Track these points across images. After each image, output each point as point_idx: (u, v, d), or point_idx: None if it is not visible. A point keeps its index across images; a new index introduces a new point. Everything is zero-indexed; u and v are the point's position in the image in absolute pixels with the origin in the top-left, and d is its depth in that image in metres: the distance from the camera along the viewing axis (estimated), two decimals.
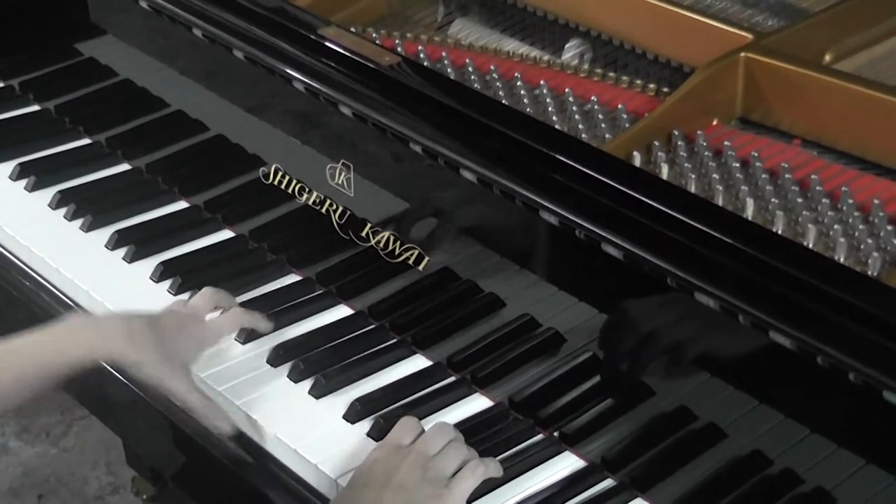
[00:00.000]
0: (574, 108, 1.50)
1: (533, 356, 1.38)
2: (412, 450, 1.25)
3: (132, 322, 1.32)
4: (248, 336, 1.46)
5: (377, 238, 1.48)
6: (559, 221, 1.26)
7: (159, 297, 1.53)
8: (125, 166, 1.77)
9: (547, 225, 1.28)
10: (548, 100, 1.52)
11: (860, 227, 1.29)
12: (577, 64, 1.62)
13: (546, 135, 1.34)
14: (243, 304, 1.51)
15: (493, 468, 1.28)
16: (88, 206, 1.67)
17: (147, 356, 1.30)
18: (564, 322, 1.35)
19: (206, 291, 1.44)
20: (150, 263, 1.58)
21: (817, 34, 1.55)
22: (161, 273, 1.56)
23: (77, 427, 2.60)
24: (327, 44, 1.48)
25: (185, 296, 1.50)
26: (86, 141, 1.83)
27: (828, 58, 1.54)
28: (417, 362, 1.44)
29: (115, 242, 1.61)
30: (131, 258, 1.59)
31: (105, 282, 1.54)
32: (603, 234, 1.23)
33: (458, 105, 1.38)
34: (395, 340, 1.47)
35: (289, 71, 1.49)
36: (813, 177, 1.36)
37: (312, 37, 1.50)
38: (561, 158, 1.29)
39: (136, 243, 1.60)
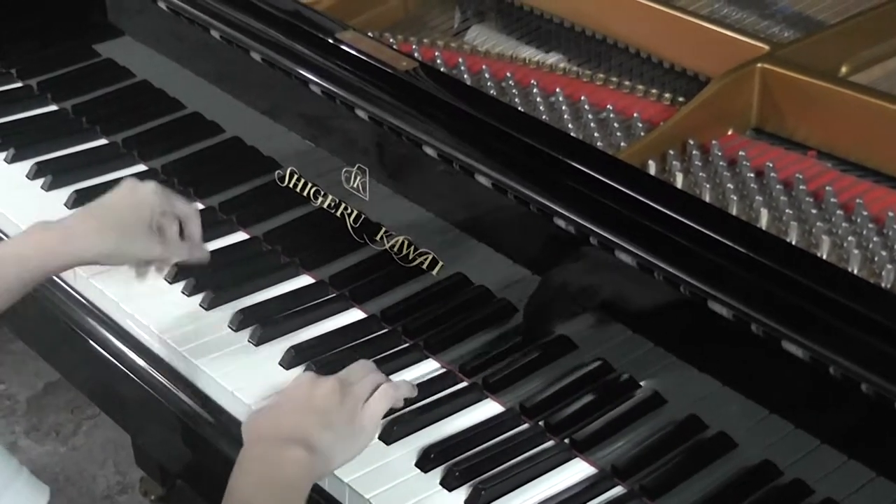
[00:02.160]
0: (589, 115, 1.51)
1: (544, 362, 1.38)
2: (331, 378, 1.31)
3: (87, 219, 1.39)
4: (260, 338, 1.46)
5: (391, 242, 1.48)
6: (573, 228, 1.27)
7: (173, 296, 1.54)
8: (141, 167, 1.78)
9: (561, 231, 1.28)
10: (563, 107, 1.53)
11: (874, 238, 1.29)
12: (591, 72, 1.62)
13: (561, 141, 1.35)
14: (256, 306, 1.51)
15: (404, 389, 1.35)
16: None
17: (112, 245, 1.38)
18: (575, 328, 1.36)
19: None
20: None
21: (833, 46, 1.56)
22: (175, 274, 1.56)
23: (86, 426, 2.60)
24: (344, 48, 1.48)
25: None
26: (102, 141, 1.83)
27: (843, 70, 1.54)
28: (429, 367, 1.45)
29: None
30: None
31: (119, 282, 1.54)
32: (617, 241, 1.23)
33: (473, 110, 1.38)
34: (407, 345, 1.47)
35: (306, 74, 1.49)
36: (827, 188, 1.36)
37: (330, 40, 1.50)
38: (576, 165, 1.29)
39: None
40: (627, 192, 1.25)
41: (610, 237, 1.23)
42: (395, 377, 1.42)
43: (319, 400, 1.27)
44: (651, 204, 1.23)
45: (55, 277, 1.59)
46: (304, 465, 1.22)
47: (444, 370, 1.44)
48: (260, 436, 1.26)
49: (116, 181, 1.72)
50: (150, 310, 1.52)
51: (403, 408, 1.36)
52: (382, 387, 1.32)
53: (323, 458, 1.25)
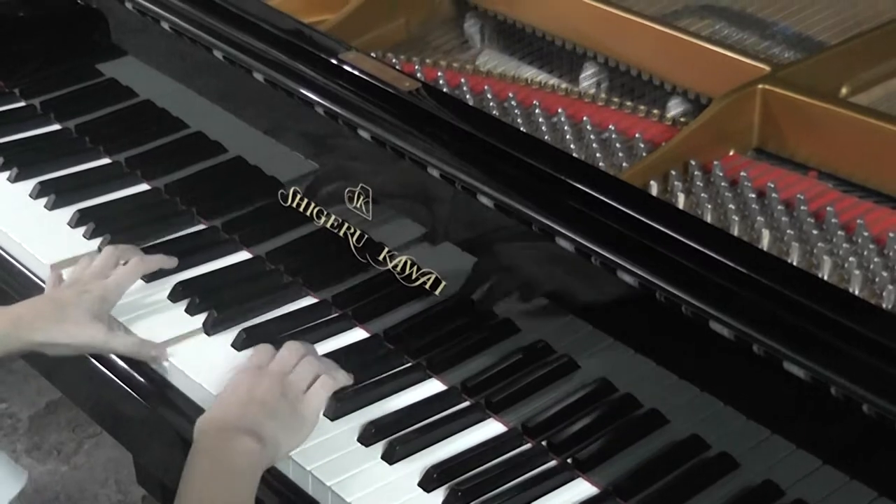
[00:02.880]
0: (591, 136, 1.51)
1: (547, 382, 1.38)
2: (269, 370, 1.36)
3: (37, 307, 1.44)
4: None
5: (394, 262, 1.49)
6: (575, 248, 1.27)
7: (176, 316, 1.54)
8: (144, 186, 1.78)
9: (562, 252, 1.29)
10: (565, 127, 1.53)
11: (875, 259, 1.29)
12: (594, 92, 1.63)
13: (563, 162, 1.35)
14: (259, 326, 1.52)
15: (341, 378, 1.40)
16: (107, 225, 1.68)
17: (55, 332, 1.42)
18: (579, 349, 1.36)
19: (106, 251, 1.52)
20: (169, 283, 1.58)
21: (834, 67, 1.56)
22: (179, 293, 1.56)
23: (88, 445, 2.60)
24: (347, 68, 1.49)
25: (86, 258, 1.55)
26: (105, 160, 1.84)
27: (844, 90, 1.55)
28: (432, 386, 1.45)
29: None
30: (148, 278, 1.60)
31: (122, 301, 1.54)
32: (618, 261, 1.23)
33: (476, 131, 1.39)
34: (409, 364, 1.47)
35: (308, 94, 1.50)
36: (828, 209, 1.36)
37: (333, 61, 1.51)
38: (578, 185, 1.29)
39: None
40: (629, 212, 1.25)
41: (612, 257, 1.24)
42: (399, 397, 1.43)
43: (261, 392, 1.33)
44: (653, 224, 1.24)
45: None
46: (252, 454, 1.27)
47: (446, 389, 1.44)
48: (208, 430, 1.30)
49: (120, 200, 1.75)
50: (152, 330, 1.52)
51: (405, 428, 1.37)
52: (321, 378, 1.38)
53: (270, 446, 1.29)
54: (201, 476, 1.26)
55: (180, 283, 1.58)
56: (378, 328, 1.51)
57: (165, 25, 1.67)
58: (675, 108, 1.60)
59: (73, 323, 1.43)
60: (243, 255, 1.65)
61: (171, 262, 1.56)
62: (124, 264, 1.52)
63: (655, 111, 1.56)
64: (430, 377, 1.46)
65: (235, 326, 1.52)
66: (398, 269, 1.48)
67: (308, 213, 1.57)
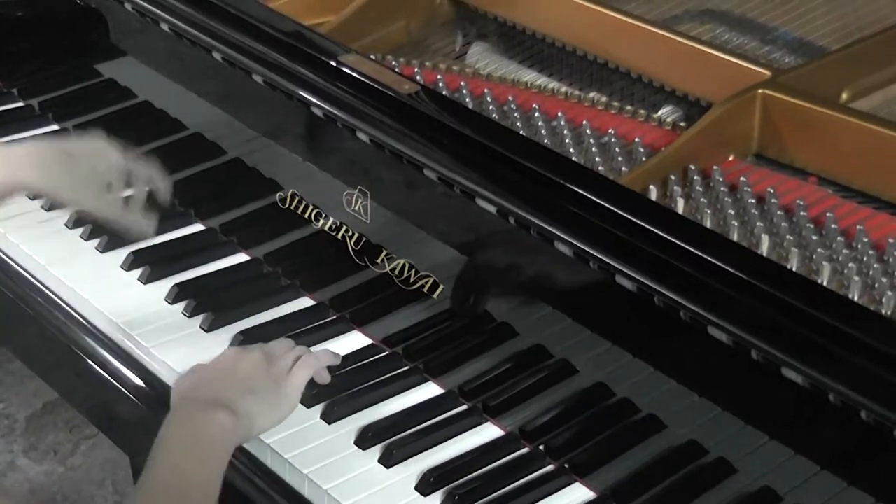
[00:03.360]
0: (591, 140, 1.51)
1: (544, 386, 1.38)
2: (257, 349, 1.38)
3: (42, 151, 1.42)
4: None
5: (392, 265, 1.48)
6: (573, 253, 1.27)
7: (174, 318, 1.54)
8: None
9: (561, 256, 1.28)
10: (565, 131, 1.53)
11: (874, 265, 1.29)
12: (594, 97, 1.63)
13: (562, 166, 1.35)
14: (257, 328, 1.51)
15: (325, 357, 1.42)
16: (103, 228, 1.66)
17: (58, 183, 1.42)
18: (576, 353, 1.36)
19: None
20: (166, 285, 1.58)
21: (834, 72, 1.56)
22: (176, 295, 1.56)
23: (85, 446, 2.60)
24: (346, 70, 1.49)
25: None
26: None
27: (844, 96, 1.55)
28: (429, 390, 1.45)
29: (131, 263, 1.62)
30: (146, 279, 1.60)
31: (119, 302, 1.55)
32: (616, 265, 1.23)
33: (475, 134, 1.38)
34: (407, 367, 1.47)
35: (307, 96, 1.49)
36: (828, 214, 1.36)
37: (332, 63, 1.50)
38: (577, 190, 1.29)
39: (152, 265, 1.60)
40: (628, 216, 1.25)
41: (610, 262, 1.23)
42: (396, 401, 1.42)
43: (245, 369, 1.35)
44: (651, 229, 1.23)
45: (53, 296, 1.59)
46: (227, 428, 1.28)
47: (443, 393, 1.44)
48: (186, 400, 1.32)
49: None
50: (150, 331, 1.52)
51: (402, 432, 1.37)
52: (304, 356, 1.39)
53: (246, 421, 1.31)
54: (175, 444, 1.27)
55: (178, 284, 1.57)
56: (375, 331, 1.51)
57: (165, 27, 1.67)
58: (670, 114, 1.59)
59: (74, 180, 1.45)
60: (241, 258, 1.65)
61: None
62: None
63: (655, 115, 1.56)
64: (427, 381, 1.45)
65: (232, 328, 1.52)
66: (396, 272, 1.48)
67: (306, 216, 1.57)
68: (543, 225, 1.28)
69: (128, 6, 1.71)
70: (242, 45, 1.57)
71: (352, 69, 1.49)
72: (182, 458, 1.26)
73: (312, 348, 1.45)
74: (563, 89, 1.65)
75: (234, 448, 1.30)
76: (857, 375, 1.09)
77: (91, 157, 1.46)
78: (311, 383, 1.40)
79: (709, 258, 1.20)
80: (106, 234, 1.66)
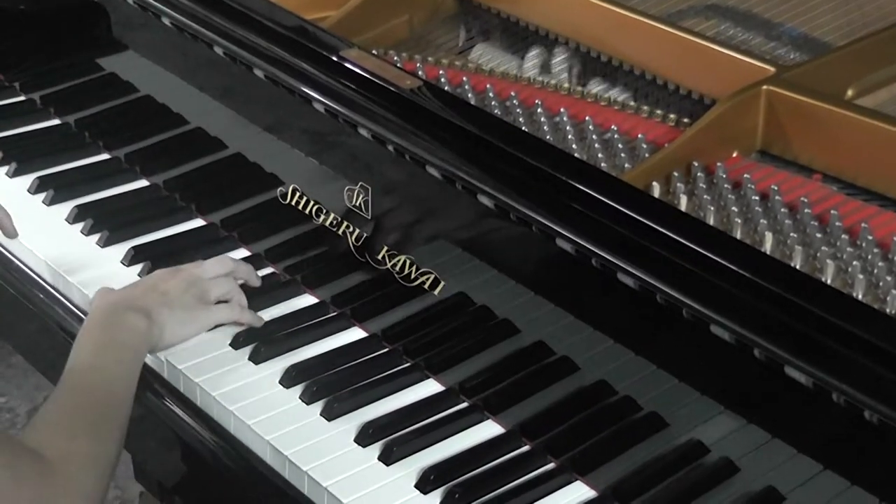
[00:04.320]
0: (594, 136, 1.50)
1: (546, 383, 1.37)
2: (185, 270, 1.47)
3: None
4: (260, 356, 1.46)
5: (393, 262, 1.48)
6: (575, 250, 1.26)
7: None
8: (143, 182, 1.77)
9: (563, 253, 1.28)
10: (567, 127, 1.52)
11: (879, 264, 1.28)
12: (597, 92, 1.62)
13: (564, 162, 1.34)
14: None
15: (251, 318, 1.48)
16: (106, 222, 1.66)
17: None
18: (578, 350, 1.35)
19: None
20: None
21: (840, 69, 1.55)
22: None
23: None
24: (348, 65, 1.48)
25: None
26: (105, 156, 1.82)
27: (850, 93, 1.54)
28: (430, 387, 1.44)
29: (132, 258, 1.61)
30: (148, 274, 1.59)
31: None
32: (619, 263, 1.22)
33: (477, 130, 1.38)
34: (408, 364, 1.46)
35: (309, 91, 1.49)
36: (832, 212, 1.35)
37: (334, 58, 1.50)
38: (578, 186, 1.28)
39: (153, 259, 1.59)
40: (631, 214, 1.24)
41: (612, 259, 1.23)
42: (397, 398, 1.42)
43: (167, 284, 1.44)
44: (654, 226, 1.23)
45: (54, 291, 1.59)
46: (139, 332, 1.38)
47: (444, 390, 1.43)
48: (105, 304, 1.41)
49: (119, 196, 1.74)
50: None
51: (402, 429, 1.36)
52: (235, 301, 1.48)
53: (157, 329, 1.40)
54: (90, 344, 1.36)
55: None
56: (376, 328, 1.50)
57: (167, 21, 1.66)
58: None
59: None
60: (242, 253, 1.64)
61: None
62: None
63: (658, 112, 1.55)
64: (427, 377, 1.45)
65: (233, 325, 1.51)
66: (397, 268, 1.47)
67: (307, 212, 1.56)
68: (545, 222, 1.28)
69: (130, 0, 1.71)
70: (244, 40, 1.56)
71: (353, 64, 1.48)
72: (98, 357, 1.34)
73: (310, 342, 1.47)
74: (566, 85, 1.64)
75: (145, 352, 1.40)
76: (861, 375, 1.08)
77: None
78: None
79: (711, 256, 1.19)
80: (106, 229, 1.65)
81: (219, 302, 1.48)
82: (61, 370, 1.64)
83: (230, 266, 1.50)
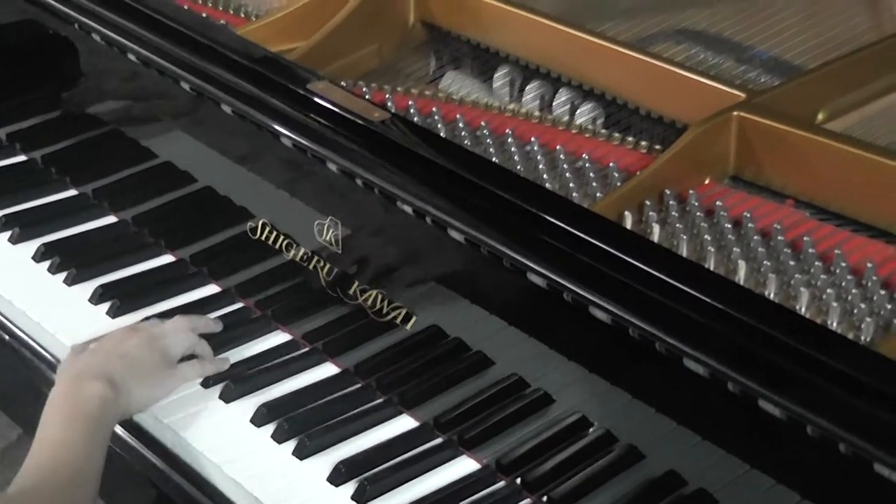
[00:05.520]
0: (565, 165, 1.49)
1: (521, 417, 1.36)
2: (145, 329, 1.45)
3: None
4: (231, 394, 1.44)
5: (365, 296, 1.46)
6: (547, 284, 1.25)
7: None
8: (111, 218, 1.75)
9: (536, 286, 1.26)
10: (539, 156, 1.51)
11: (853, 290, 1.27)
12: (567, 119, 1.61)
13: (535, 195, 1.33)
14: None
15: (217, 366, 1.46)
16: (73, 259, 1.65)
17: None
18: (553, 383, 1.33)
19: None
20: (136, 317, 1.56)
21: (810, 92, 1.54)
22: None
23: None
24: (316, 99, 1.46)
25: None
26: (72, 192, 1.81)
27: (821, 116, 1.53)
28: (404, 422, 1.42)
29: (100, 297, 1.59)
30: (115, 313, 1.57)
31: (86, 336, 1.51)
32: (590, 297, 1.21)
33: (447, 163, 1.36)
34: (381, 400, 1.44)
35: (277, 126, 1.47)
36: (805, 238, 1.34)
37: (301, 91, 1.48)
38: (549, 219, 1.27)
39: (121, 297, 1.58)
40: (602, 246, 1.23)
41: (583, 293, 1.21)
42: (371, 434, 1.40)
43: (130, 346, 1.41)
44: (626, 259, 1.21)
45: (18, 330, 1.56)
46: (106, 402, 1.34)
47: (418, 426, 1.41)
48: (68, 374, 1.38)
49: (86, 233, 1.72)
50: None
51: (376, 467, 1.34)
52: (198, 361, 1.45)
53: (124, 397, 1.37)
54: (59, 416, 1.33)
55: (147, 318, 1.55)
56: (349, 363, 1.49)
57: (132, 57, 1.64)
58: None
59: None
60: (212, 289, 1.62)
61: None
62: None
63: (630, 138, 1.54)
64: (401, 413, 1.43)
65: None
66: (369, 302, 1.46)
67: (277, 246, 1.55)
68: (516, 256, 1.26)
69: (95, 36, 1.69)
70: (210, 75, 1.54)
71: (321, 97, 1.46)
72: (64, 432, 1.31)
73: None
74: (537, 113, 1.63)
75: (114, 422, 1.37)
76: (835, 407, 1.06)
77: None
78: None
79: (684, 288, 1.18)
80: (73, 267, 1.63)
81: (183, 358, 1.46)
82: (29, 411, 1.63)
83: (188, 324, 1.48)
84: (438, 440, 1.39)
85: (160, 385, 1.42)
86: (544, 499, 1.31)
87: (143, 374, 1.39)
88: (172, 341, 1.44)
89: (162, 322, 1.47)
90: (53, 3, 1.74)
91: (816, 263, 1.31)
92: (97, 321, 1.57)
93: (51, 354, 1.54)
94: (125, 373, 1.38)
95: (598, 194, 1.44)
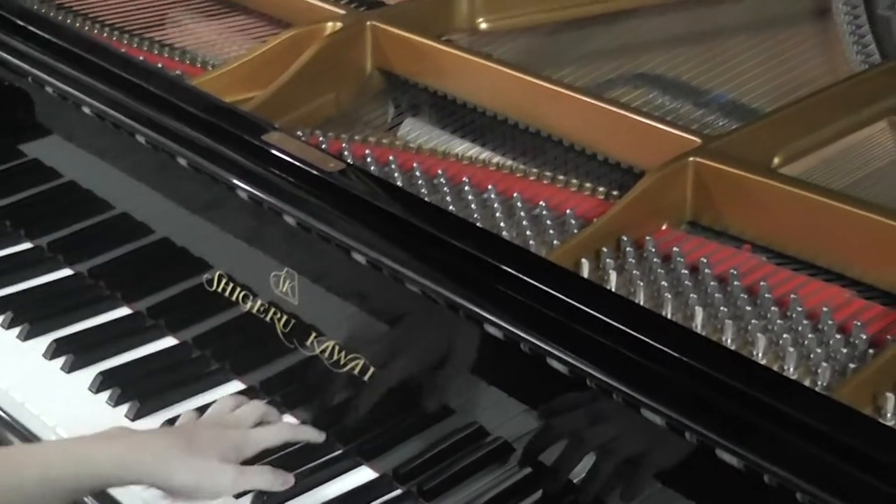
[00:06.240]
0: (522, 212, 1.49)
1: (481, 466, 1.35)
2: (234, 433, 1.38)
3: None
4: None
5: (322, 347, 1.45)
6: (503, 335, 1.24)
7: (97, 409, 1.49)
8: (67, 271, 1.74)
9: (492, 337, 1.25)
10: (496, 204, 1.50)
11: (809, 335, 1.27)
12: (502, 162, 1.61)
13: (490, 244, 1.32)
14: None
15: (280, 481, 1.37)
16: (26, 314, 1.63)
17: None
18: (514, 431, 1.32)
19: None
20: (90, 373, 1.54)
21: (766, 136, 1.55)
22: (100, 384, 1.52)
23: None
24: (270, 150, 1.46)
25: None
26: (27, 245, 1.79)
27: (777, 160, 1.53)
28: (363, 474, 1.41)
29: (53, 352, 1.57)
30: (70, 368, 1.55)
31: (41, 393, 1.50)
32: (547, 347, 1.20)
33: (401, 213, 1.36)
34: (340, 451, 1.43)
35: (232, 179, 1.46)
36: (762, 283, 1.34)
37: (256, 143, 1.47)
38: (504, 269, 1.26)
39: (76, 352, 1.56)
40: (558, 295, 1.22)
41: (540, 343, 1.21)
42: (331, 486, 1.39)
43: (206, 436, 1.34)
44: (582, 308, 1.21)
45: None
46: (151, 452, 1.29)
47: (378, 476, 1.40)
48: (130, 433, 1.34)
49: (40, 287, 1.70)
50: (71, 422, 1.47)
51: None
52: (266, 472, 1.36)
53: (162, 465, 1.29)
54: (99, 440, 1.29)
55: (102, 372, 1.53)
56: (308, 415, 1.47)
57: (87, 110, 1.63)
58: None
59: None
60: (169, 342, 1.61)
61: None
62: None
63: (588, 184, 1.54)
64: (360, 464, 1.42)
65: (160, 415, 1.48)
66: (326, 354, 1.45)
67: (234, 298, 1.54)
68: (472, 307, 1.26)
69: (49, 89, 1.68)
70: (165, 127, 1.54)
71: (276, 148, 1.46)
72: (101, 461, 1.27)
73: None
74: (496, 160, 1.63)
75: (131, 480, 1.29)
76: (793, 456, 1.06)
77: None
78: None
79: (641, 337, 1.17)
80: (27, 322, 1.61)
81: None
82: None
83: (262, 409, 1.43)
84: (398, 491, 1.38)
85: (205, 481, 1.31)
86: None
87: (195, 461, 1.31)
88: (249, 448, 1.36)
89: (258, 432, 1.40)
90: (6, 55, 1.73)
91: (773, 308, 1.31)
92: (51, 376, 1.55)
93: (3, 411, 1.52)
94: (178, 451, 1.30)
95: (555, 242, 1.44)
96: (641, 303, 1.33)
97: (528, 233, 1.45)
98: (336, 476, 1.41)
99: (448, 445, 1.38)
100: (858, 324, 1.27)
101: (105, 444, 1.28)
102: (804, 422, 1.07)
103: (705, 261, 1.38)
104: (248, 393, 1.52)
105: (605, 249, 1.40)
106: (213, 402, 1.48)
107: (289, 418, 1.49)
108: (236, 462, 1.34)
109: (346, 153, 1.59)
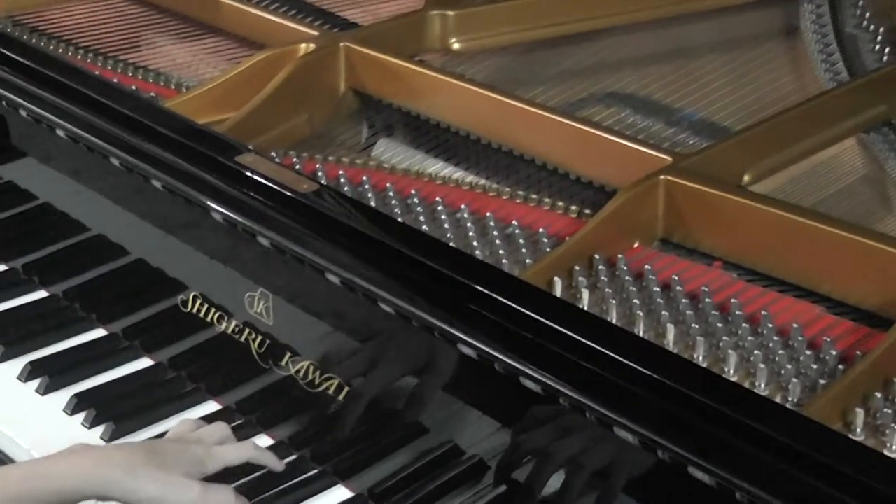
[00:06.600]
0: (495, 232, 1.50)
1: (457, 484, 1.35)
2: (197, 447, 1.34)
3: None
4: None
5: (297, 367, 1.45)
6: (477, 355, 1.25)
7: (73, 430, 1.49)
8: (41, 293, 1.73)
9: (467, 357, 1.26)
10: (469, 224, 1.51)
11: (780, 352, 1.28)
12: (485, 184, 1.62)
13: (464, 264, 1.33)
14: (161, 437, 1.47)
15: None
16: (1, 337, 1.62)
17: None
18: (489, 449, 1.33)
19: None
20: (65, 395, 1.54)
21: (736, 154, 1.57)
22: (75, 405, 1.52)
23: None
24: (244, 172, 1.46)
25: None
26: (1, 268, 1.78)
27: (746, 178, 1.55)
28: (339, 493, 1.41)
29: (28, 374, 1.57)
30: (45, 390, 1.55)
31: (16, 416, 1.50)
32: (521, 367, 1.21)
33: (375, 234, 1.36)
34: (316, 471, 1.43)
35: (206, 200, 1.47)
36: (733, 300, 1.35)
37: (229, 164, 1.48)
38: (477, 289, 1.27)
39: (51, 374, 1.56)
40: (531, 315, 1.23)
41: (513, 363, 1.21)
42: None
43: (169, 449, 1.31)
44: (554, 327, 1.22)
45: None
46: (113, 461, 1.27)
47: (353, 496, 1.41)
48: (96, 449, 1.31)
49: (14, 310, 1.70)
50: (46, 445, 1.46)
51: None
52: (230, 499, 1.32)
53: (130, 477, 1.27)
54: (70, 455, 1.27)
55: (77, 394, 1.53)
56: (283, 434, 1.48)
57: (61, 133, 1.64)
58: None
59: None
60: (144, 363, 1.61)
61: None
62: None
63: (560, 203, 1.55)
64: (336, 483, 1.42)
65: (136, 436, 1.48)
66: (301, 374, 1.45)
67: (209, 319, 1.54)
68: (445, 327, 1.26)
69: (23, 112, 1.68)
70: (139, 149, 1.54)
71: (249, 170, 1.46)
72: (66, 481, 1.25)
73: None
74: (469, 179, 1.64)
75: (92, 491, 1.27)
76: (764, 473, 1.07)
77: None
78: None
79: (613, 355, 1.18)
80: (1, 345, 1.61)
81: None
82: None
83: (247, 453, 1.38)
84: None
85: (170, 491, 1.29)
86: None
87: (161, 472, 1.29)
88: (212, 464, 1.33)
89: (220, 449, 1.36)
90: None
91: (744, 325, 1.32)
92: (26, 398, 1.55)
93: None
94: (145, 462, 1.29)
95: (528, 261, 1.45)
96: (614, 321, 1.34)
97: (501, 252, 1.46)
98: (312, 496, 1.41)
99: (423, 464, 1.38)
100: (828, 339, 1.29)
101: (68, 460, 1.27)
102: (775, 438, 1.08)
103: (677, 278, 1.39)
104: (224, 413, 1.52)
105: (577, 268, 1.42)
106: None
107: (264, 438, 1.49)
108: (199, 478, 1.34)
109: (320, 174, 1.60)
